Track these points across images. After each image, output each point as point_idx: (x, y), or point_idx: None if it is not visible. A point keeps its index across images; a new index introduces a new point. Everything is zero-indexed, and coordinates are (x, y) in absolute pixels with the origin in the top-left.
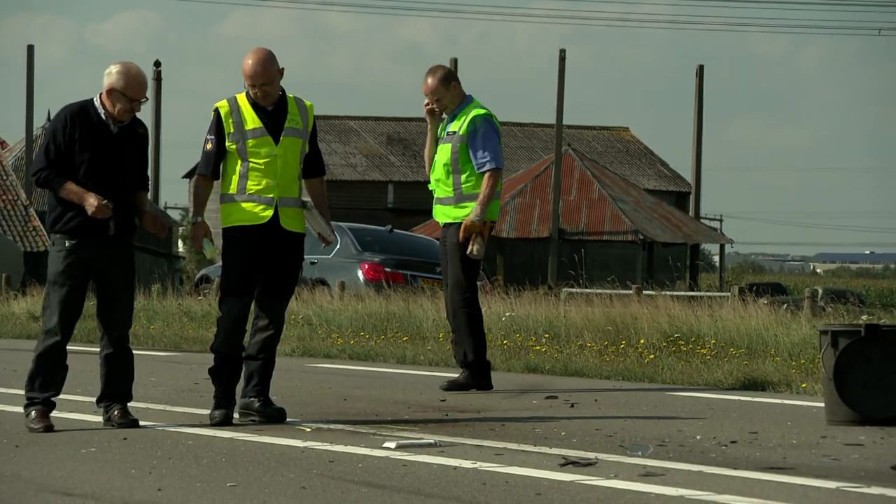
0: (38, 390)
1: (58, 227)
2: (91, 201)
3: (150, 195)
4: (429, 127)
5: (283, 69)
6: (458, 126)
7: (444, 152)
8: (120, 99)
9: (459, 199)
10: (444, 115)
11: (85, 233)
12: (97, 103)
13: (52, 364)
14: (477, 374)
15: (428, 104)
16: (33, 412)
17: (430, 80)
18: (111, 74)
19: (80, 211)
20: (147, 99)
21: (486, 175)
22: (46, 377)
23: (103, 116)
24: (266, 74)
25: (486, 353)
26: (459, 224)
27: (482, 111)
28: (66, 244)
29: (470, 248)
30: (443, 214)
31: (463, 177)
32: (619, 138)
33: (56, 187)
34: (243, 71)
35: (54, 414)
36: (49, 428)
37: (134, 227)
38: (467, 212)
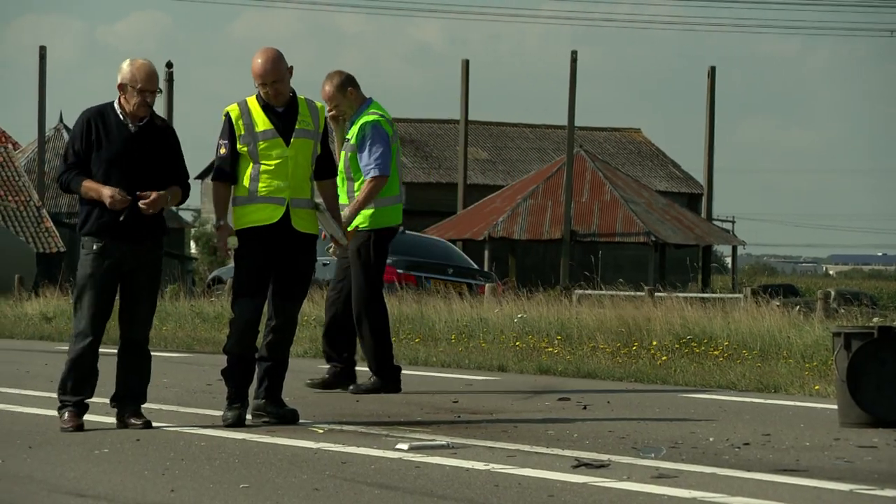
0: (70, 393)
1: (85, 229)
2: (106, 193)
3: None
4: (335, 133)
5: (291, 67)
6: (351, 134)
7: (341, 160)
8: (131, 93)
9: None
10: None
11: (111, 233)
12: (116, 105)
13: (84, 368)
14: (385, 380)
15: (330, 110)
16: (66, 413)
17: (326, 87)
18: (121, 71)
19: (105, 211)
20: (161, 90)
21: (367, 181)
22: (78, 381)
23: (121, 117)
24: (276, 72)
25: (392, 358)
26: (358, 230)
27: (371, 118)
28: (94, 247)
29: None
30: None
31: (356, 185)
32: (631, 140)
33: (76, 187)
34: (253, 71)
35: None
36: (79, 427)
37: (163, 228)
38: (362, 218)
